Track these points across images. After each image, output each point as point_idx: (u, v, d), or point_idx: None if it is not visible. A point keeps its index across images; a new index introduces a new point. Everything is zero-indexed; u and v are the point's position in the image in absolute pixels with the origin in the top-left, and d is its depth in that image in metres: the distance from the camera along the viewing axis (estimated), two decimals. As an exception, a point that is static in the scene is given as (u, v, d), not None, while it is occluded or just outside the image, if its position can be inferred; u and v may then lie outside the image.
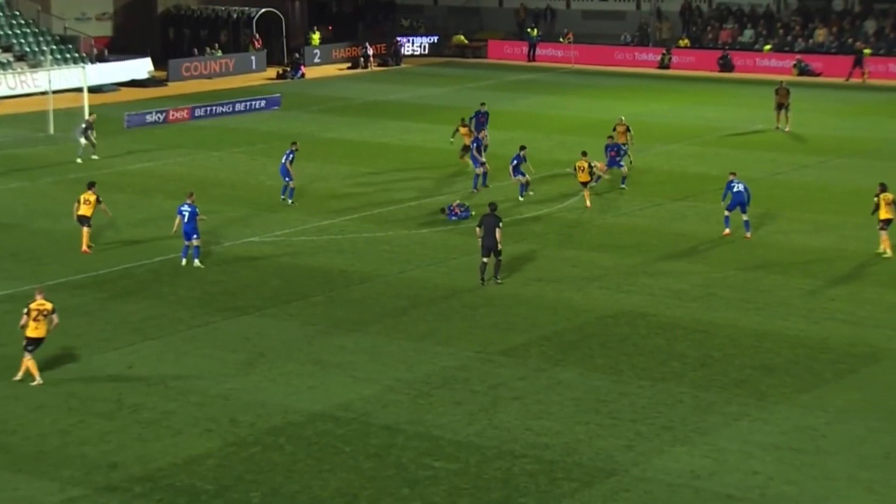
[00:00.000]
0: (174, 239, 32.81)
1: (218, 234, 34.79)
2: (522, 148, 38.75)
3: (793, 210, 37.55)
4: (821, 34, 69.82)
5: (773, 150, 46.72)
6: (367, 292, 29.70)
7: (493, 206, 30.60)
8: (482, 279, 30.01)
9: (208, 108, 55.36)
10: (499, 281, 30.13)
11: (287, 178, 38.43)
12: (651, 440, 21.20)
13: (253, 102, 57.09)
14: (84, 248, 33.34)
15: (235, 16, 73.33)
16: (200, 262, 31.75)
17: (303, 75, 68.88)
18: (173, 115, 53.98)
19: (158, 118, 53.27)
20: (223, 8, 73.84)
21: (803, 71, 67.10)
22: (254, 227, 35.65)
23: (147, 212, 37.44)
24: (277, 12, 73.57)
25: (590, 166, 37.57)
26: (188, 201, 31.99)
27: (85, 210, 33.43)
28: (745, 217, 34.22)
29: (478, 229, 30.11)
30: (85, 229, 33.48)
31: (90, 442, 21.25)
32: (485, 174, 40.02)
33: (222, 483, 19.76)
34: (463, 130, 42.99)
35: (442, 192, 39.75)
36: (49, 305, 23.76)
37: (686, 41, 72.98)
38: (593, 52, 73.16)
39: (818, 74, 66.64)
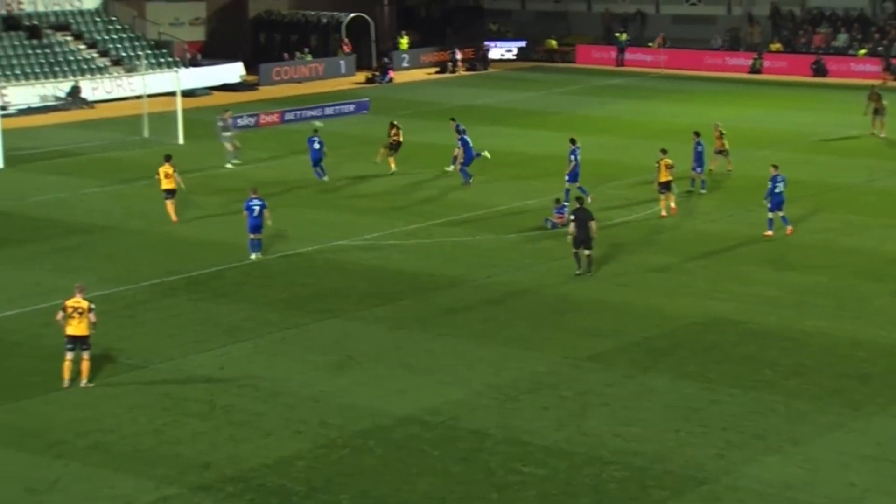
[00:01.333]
0: (265, 243, 33.13)
1: (306, 236, 35.06)
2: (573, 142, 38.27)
3: (887, 217, 36.93)
4: (916, 38, 68.65)
5: (868, 157, 46.01)
6: (455, 296, 29.74)
7: (581, 200, 31.93)
8: (579, 269, 30.81)
9: (298, 112, 55.87)
10: (590, 273, 30.75)
11: (319, 166, 41.89)
12: (742, 449, 20.96)
13: (342, 106, 57.51)
14: (174, 218, 36.16)
15: (325, 20, 73.90)
16: (261, 255, 32.68)
17: (391, 80, 69.21)
18: (264, 119, 54.55)
19: (249, 122, 53.86)
20: (313, 13, 74.47)
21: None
22: (342, 231, 35.85)
23: (236, 214, 37.80)
24: (367, 17, 74.02)
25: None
26: (255, 196, 32.45)
27: (167, 183, 36.17)
28: (781, 214, 34.04)
29: (571, 225, 30.73)
30: (170, 202, 36.16)
31: (184, 441, 21.54)
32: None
33: (312, 484, 19.91)
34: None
35: (530, 196, 39.65)
36: (85, 304, 23.73)
37: (778, 45, 72.14)
38: (683, 57, 72.61)
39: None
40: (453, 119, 45.36)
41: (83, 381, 23.89)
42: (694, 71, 70.70)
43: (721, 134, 42.54)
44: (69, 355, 23.85)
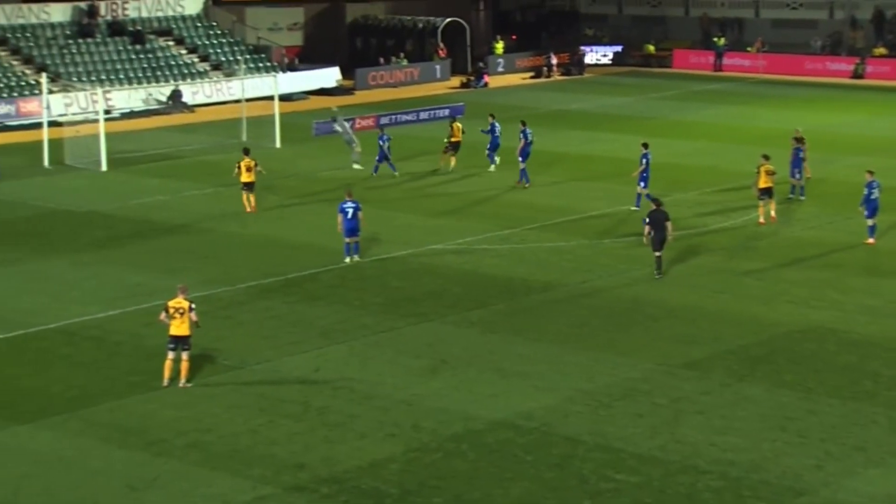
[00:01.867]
0: (361, 244, 33.37)
1: (400, 240, 35.22)
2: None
3: None
4: None
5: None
6: (549, 301, 29.68)
7: (658, 201, 31.59)
8: (658, 272, 30.89)
9: (393, 117, 56.14)
10: (658, 276, 30.79)
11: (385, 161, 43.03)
12: (842, 461, 20.62)
13: (437, 111, 57.65)
14: (248, 209, 37.93)
15: (421, 25, 74.19)
16: (359, 258, 32.87)
17: (486, 84, 69.25)
18: (360, 123, 54.85)
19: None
20: (409, 17, 74.81)
21: None
22: (437, 235, 35.96)
23: (331, 217, 38.09)
24: (462, 21, 74.16)
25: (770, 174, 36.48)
26: (350, 199, 32.65)
27: (247, 177, 37.83)
28: (870, 223, 33.48)
29: (646, 226, 30.76)
30: (249, 195, 37.97)
31: (279, 442, 21.76)
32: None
33: (406, 487, 20.00)
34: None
35: (625, 201, 39.40)
36: (186, 304, 24.08)
37: (882, 50, 70.87)
38: (782, 62, 71.66)
39: None
40: (491, 115, 45.18)
41: (182, 381, 24.26)
42: (794, 76, 69.72)
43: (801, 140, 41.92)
44: (171, 355, 24.24)
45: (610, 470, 20.46)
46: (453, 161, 44.50)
